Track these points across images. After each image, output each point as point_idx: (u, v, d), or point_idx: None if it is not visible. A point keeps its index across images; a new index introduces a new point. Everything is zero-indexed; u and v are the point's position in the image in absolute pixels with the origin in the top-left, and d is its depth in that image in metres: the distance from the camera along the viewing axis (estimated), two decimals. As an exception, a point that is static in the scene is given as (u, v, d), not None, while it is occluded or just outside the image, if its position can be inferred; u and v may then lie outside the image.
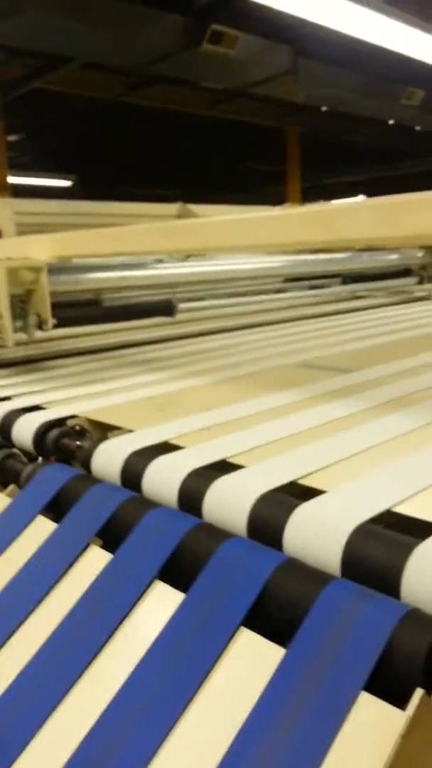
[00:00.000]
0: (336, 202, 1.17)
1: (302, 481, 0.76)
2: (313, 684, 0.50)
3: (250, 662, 0.54)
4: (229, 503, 0.72)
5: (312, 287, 2.94)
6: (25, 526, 0.83)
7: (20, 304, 1.54)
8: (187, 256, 2.59)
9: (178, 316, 2.16)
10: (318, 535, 0.63)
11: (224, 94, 7.77)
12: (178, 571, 0.66)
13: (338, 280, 3.01)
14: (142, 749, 0.53)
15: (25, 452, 1.10)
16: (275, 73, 6.30)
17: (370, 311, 2.56)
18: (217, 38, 5.29)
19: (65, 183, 10.31)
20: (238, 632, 0.56)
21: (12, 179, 8.00)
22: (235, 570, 0.60)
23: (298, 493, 0.74)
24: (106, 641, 0.62)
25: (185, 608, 0.61)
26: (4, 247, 1.71)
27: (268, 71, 6.28)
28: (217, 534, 0.68)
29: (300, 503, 0.68)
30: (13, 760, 0.56)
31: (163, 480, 0.83)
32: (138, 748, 0.53)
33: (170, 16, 5.43)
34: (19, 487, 0.94)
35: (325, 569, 0.60)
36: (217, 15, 5.38)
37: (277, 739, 0.48)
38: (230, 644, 0.56)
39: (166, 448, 0.94)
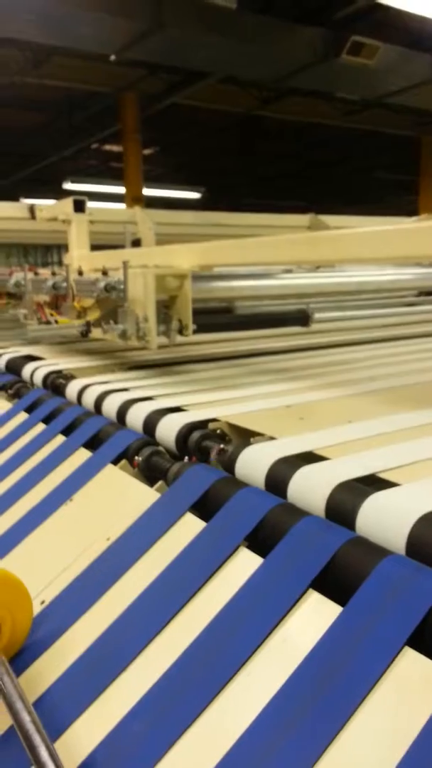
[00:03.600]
0: None
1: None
2: None
3: (416, 685, 0.52)
4: (388, 520, 0.70)
5: (449, 302, 2.81)
6: (173, 522, 0.85)
7: (164, 310, 1.60)
8: (317, 267, 2.57)
9: (310, 327, 2.14)
10: None
11: (358, 105, 7.67)
12: (332, 583, 0.66)
13: None
14: (292, 764, 0.52)
15: (168, 450, 1.14)
16: (414, 82, 6.13)
17: None
18: (356, 49, 5.24)
19: (195, 195, 10.63)
20: (403, 652, 0.55)
21: (146, 191, 8.37)
22: (399, 588, 0.59)
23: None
24: (257, 648, 0.63)
25: (343, 623, 0.60)
26: (152, 255, 1.79)
27: (406, 81, 6.12)
28: (375, 550, 0.66)
29: (465, 526, 0.65)
30: (167, 750, 0.58)
31: (311, 489, 0.83)
32: (289, 761, 0.53)
33: (309, 29, 5.46)
34: (167, 483, 0.98)
35: None
36: (357, 26, 5.32)
37: None
38: (393, 664, 0.54)
39: (311, 457, 0.94)
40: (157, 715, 0.61)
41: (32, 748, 0.53)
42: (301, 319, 1.95)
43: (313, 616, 0.63)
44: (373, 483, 0.82)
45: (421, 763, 0.48)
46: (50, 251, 11.37)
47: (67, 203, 2.31)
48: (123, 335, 1.52)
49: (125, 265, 1.50)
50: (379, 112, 7.96)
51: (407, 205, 10.21)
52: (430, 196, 9.71)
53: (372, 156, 10.24)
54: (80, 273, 1.72)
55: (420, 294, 2.87)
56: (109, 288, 1.53)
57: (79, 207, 2.27)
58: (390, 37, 5.71)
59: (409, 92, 6.53)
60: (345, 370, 1.63)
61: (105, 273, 1.59)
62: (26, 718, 0.56)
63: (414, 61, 6.06)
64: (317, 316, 2.29)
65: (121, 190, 8.23)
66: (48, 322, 1.84)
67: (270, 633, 0.63)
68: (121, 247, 2.63)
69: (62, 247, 2.85)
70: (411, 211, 8.65)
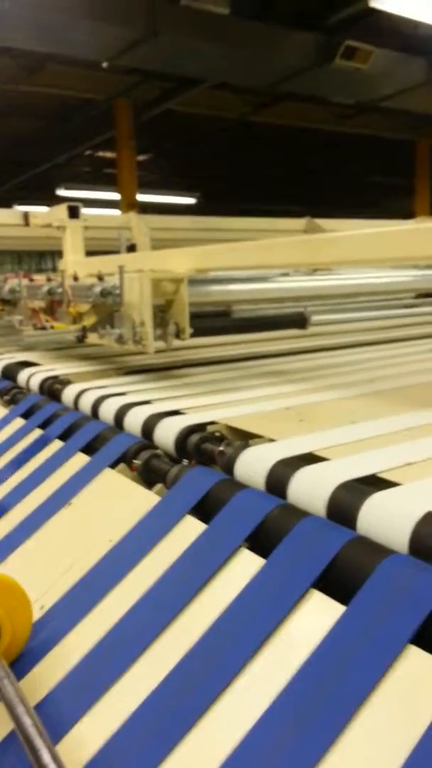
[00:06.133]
0: None
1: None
2: None
3: (421, 683, 0.52)
4: (388, 520, 0.70)
5: (446, 303, 2.82)
6: (174, 524, 0.85)
7: (160, 314, 1.59)
8: (313, 270, 2.57)
9: (307, 330, 2.14)
10: None
11: (353, 109, 7.71)
12: (335, 583, 0.65)
13: None
14: (296, 764, 0.52)
15: (166, 454, 1.14)
16: (409, 85, 6.16)
17: None
18: (350, 54, 5.26)
19: (190, 200, 10.65)
20: (407, 650, 0.54)
21: (141, 197, 8.39)
22: (402, 587, 0.58)
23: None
24: (260, 648, 0.62)
25: (346, 622, 0.60)
26: (147, 260, 1.79)
27: (400, 84, 6.15)
28: (377, 549, 0.66)
29: (467, 524, 0.65)
30: (169, 751, 0.57)
31: (311, 490, 0.82)
32: (294, 761, 0.52)
33: (302, 34, 5.48)
34: (167, 486, 0.97)
35: None
36: (350, 30, 5.35)
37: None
38: (397, 663, 0.54)
39: (311, 458, 0.94)
40: (159, 717, 0.61)
41: (34, 751, 0.52)
42: (299, 321, 1.95)
43: (316, 616, 0.62)
44: (374, 483, 0.82)
45: (427, 761, 0.47)
46: (44, 258, 11.34)
47: (62, 209, 2.31)
48: (119, 340, 1.52)
49: (121, 269, 1.50)
50: (374, 116, 8.00)
51: (403, 208, 10.23)
52: (426, 200, 9.75)
53: (367, 160, 10.28)
54: (75, 278, 1.72)
55: (418, 296, 2.87)
56: (105, 293, 1.53)
57: (73, 213, 2.27)
58: (383, 41, 5.74)
59: (403, 96, 6.56)
60: (344, 373, 1.63)
61: (101, 278, 1.59)
62: (27, 721, 0.55)
63: (407, 65, 6.09)
64: (315, 318, 2.29)
65: (115, 196, 8.24)
66: (44, 328, 1.84)
67: (272, 633, 0.63)
68: (116, 253, 2.63)
69: (56, 254, 2.85)
70: (407, 214, 8.67)
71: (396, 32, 5.48)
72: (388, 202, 11.69)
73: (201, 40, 5.28)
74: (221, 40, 5.24)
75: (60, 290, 1.74)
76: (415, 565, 0.61)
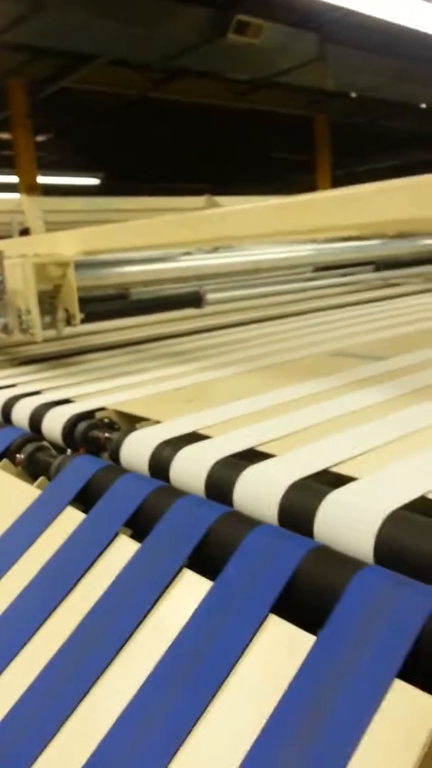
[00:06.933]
0: (366, 185, 1.13)
1: (333, 469, 0.74)
2: (344, 671, 0.48)
3: (280, 650, 0.53)
4: (259, 491, 0.70)
5: (343, 275, 2.89)
6: (54, 517, 0.83)
7: (49, 300, 1.54)
8: (215, 249, 2.57)
9: (206, 309, 2.14)
10: (350, 523, 0.61)
11: (250, 85, 7.72)
12: (206, 559, 0.65)
13: (371, 267, 2.96)
14: (169, 738, 0.52)
15: (55, 445, 1.11)
16: (302, 61, 6.23)
17: (405, 298, 2.51)
18: (242, 28, 5.25)
19: (94, 181, 10.38)
20: (268, 619, 0.55)
21: (42, 179, 8.09)
22: (264, 557, 0.59)
23: (329, 481, 0.72)
24: (135, 630, 0.62)
25: (213, 596, 0.60)
26: (31, 243, 1.72)
27: (295, 60, 6.21)
28: (246, 521, 0.66)
29: (331, 491, 0.66)
30: (44, 742, 0.56)
31: (191, 469, 0.82)
32: (165, 737, 0.52)
33: (193, 9, 5.41)
34: (49, 479, 0.95)
35: (356, 556, 0.59)
36: (241, 5, 5.33)
37: (308, 726, 0.47)
38: (259, 632, 0.55)
39: (194, 437, 0.94)
40: (34, 712, 0.59)
41: None
42: (194, 300, 1.94)
43: (186, 595, 0.62)
44: (252, 458, 0.83)
45: (284, 724, 0.48)
46: None
47: None
48: (5, 329, 1.46)
49: (0, 255, 1.43)
50: (271, 92, 8.05)
51: (307, 183, 10.41)
52: (327, 174, 9.96)
53: (269, 136, 10.36)
54: None
55: (316, 269, 2.93)
56: (-15, 281, 1.46)
57: None
58: (275, 16, 5.76)
59: (298, 71, 6.63)
60: (239, 349, 1.64)
61: (-18, 265, 1.51)
62: None
63: (301, 40, 6.15)
64: (214, 297, 2.30)
65: (13, 179, 7.91)
66: None
67: (144, 618, 0.62)
68: (9, 238, 2.52)
69: None
70: (311, 189, 8.83)
71: (287, 7, 5.52)
72: (293, 177, 11.85)
73: (90, 15, 5.12)
74: (111, 15, 5.10)
75: None
76: (279, 535, 0.62)
